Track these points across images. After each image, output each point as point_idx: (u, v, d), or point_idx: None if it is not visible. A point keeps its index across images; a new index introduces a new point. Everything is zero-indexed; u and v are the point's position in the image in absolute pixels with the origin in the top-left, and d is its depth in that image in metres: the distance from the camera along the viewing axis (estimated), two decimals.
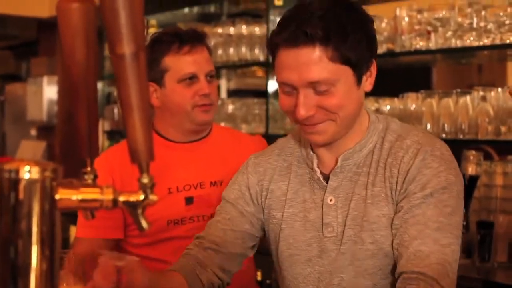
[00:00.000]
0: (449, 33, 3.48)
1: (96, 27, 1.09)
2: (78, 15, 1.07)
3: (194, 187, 2.46)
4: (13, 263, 0.98)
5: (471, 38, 3.41)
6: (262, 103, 4.62)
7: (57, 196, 1.03)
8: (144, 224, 1.07)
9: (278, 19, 1.80)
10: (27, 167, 0.99)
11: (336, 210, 1.80)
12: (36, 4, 6.03)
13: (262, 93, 4.67)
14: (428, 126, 3.50)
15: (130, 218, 1.86)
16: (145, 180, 1.05)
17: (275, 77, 1.80)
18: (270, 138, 2.56)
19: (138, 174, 1.05)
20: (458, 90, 3.48)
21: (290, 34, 1.68)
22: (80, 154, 1.14)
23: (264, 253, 2.04)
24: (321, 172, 1.84)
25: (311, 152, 1.87)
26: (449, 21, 3.50)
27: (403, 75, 5.21)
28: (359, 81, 1.73)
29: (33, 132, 7.11)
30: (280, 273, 1.93)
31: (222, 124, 4.49)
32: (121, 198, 1.05)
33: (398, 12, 3.67)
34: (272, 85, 4.38)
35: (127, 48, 0.99)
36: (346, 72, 1.69)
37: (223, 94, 5.54)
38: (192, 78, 2.44)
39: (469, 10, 3.44)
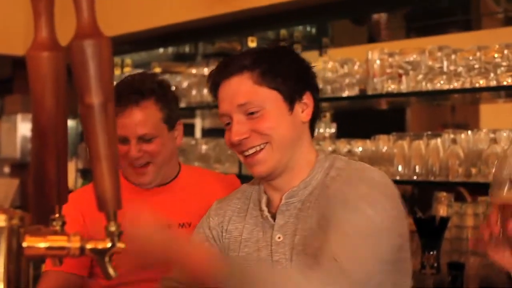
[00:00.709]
0: (420, 76, 3.53)
1: (65, 75, 1.11)
2: (48, 63, 1.09)
3: (189, 224, 2.46)
4: None
5: (442, 82, 3.46)
6: None
7: (24, 244, 1.03)
8: (111, 272, 1.08)
9: None
10: None
11: (284, 247, 1.85)
12: (11, 42, 6.04)
13: None
14: (400, 168, 3.53)
15: None
16: (113, 228, 1.06)
17: None
18: (243, 179, 2.57)
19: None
20: (429, 132, 3.52)
21: (225, 69, 1.86)
22: (49, 200, 1.15)
23: None
24: (269, 211, 1.91)
25: (262, 193, 1.94)
26: (420, 65, 3.55)
27: (377, 116, 5.27)
28: (291, 108, 1.84)
29: (7, 169, 7.06)
30: None
31: (196, 163, 4.50)
32: (88, 246, 1.06)
33: (370, 56, 3.72)
34: None
35: (95, 98, 1.00)
36: (274, 97, 1.83)
37: (198, 133, 5.56)
38: (123, 141, 2.38)
39: (439, 54, 3.50)
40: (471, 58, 3.38)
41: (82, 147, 5.67)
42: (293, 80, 1.85)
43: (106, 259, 1.06)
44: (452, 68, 3.45)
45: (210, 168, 4.42)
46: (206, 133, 5.70)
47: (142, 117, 2.38)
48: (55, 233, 1.09)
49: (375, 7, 3.98)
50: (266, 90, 1.82)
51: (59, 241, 1.06)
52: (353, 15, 4.24)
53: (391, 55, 3.66)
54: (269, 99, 1.82)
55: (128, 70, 5.33)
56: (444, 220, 3.36)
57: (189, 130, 6.62)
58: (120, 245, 1.07)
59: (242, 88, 1.82)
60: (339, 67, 3.95)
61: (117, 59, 5.49)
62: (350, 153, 3.82)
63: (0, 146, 6.89)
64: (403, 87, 3.61)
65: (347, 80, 3.88)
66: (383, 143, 3.65)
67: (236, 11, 4.21)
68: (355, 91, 3.87)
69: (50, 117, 1.10)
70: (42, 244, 1.05)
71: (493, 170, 1.79)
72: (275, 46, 1.95)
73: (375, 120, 4.91)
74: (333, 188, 1.81)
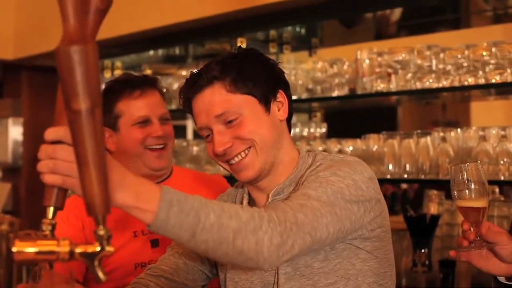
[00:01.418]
0: (409, 75, 3.55)
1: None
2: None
3: None
4: None
5: (431, 80, 3.47)
6: None
7: (14, 249, 1.04)
8: (101, 275, 1.09)
9: None
10: None
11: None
12: (1, 46, 6.03)
13: None
14: (390, 167, 3.55)
15: None
16: (101, 232, 1.07)
17: None
18: (233, 180, 2.59)
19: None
20: (419, 131, 3.54)
21: (195, 83, 1.85)
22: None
23: None
24: None
25: (245, 195, 1.97)
26: (409, 64, 3.57)
27: (368, 115, 5.29)
28: (267, 109, 1.86)
29: None
30: None
31: (187, 165, 4.50)
32: (78, 250, 1.07)
33: (359, 55, 3.73)
34: None
35: (82, 104, 1.01)
36: (249, 101, 1.84)
37: (189, 135, 5.56)
38: (145, 122, 2.50)
39: (428, 53, 3.51)
40: (459, 56, 3.40)
41: None
42: (264, 81, 1.87)
43: (96, 262, 1.07)
44: (441, 66, 3.47)
45: (201, 169, 4.43)
46: (197, 134, 5.68)
47: (159, 98, 2.56)
48: (45, 237, 1.10)
49: (364, 7, 3.99)
50: (240, 96, 1.83)
51: (48, 246, 1.07)
52: (342, 15, 4.25)
53: (380, 54, 3.68)
54: (244, 104, 1.83)
55: (118, 73, 5.32)
56: (435, 218, 3.38)
57: (180, 132, 6.63)
58: (109, 248, 1.07)
59: (216, 99, 1.82)
60: (328, 67, 3.96)
61: (107, 62, 5.49)
62: (340, 152, 3.83)
63: None
64: (393, 86, 3.62)
65: (336, 80, 3.90)
66: (374, 142, 3.67)
67: (226, 12, 4.22)
68: (344, 91, 3.89)
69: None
70: (31, 249, 1.05)
71: (450, 177, 1.80)
72: (238, 51, 1.93)
73: (366, 120, 4.92)
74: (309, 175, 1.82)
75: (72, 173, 1.14)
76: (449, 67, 3.44)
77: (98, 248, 1.07)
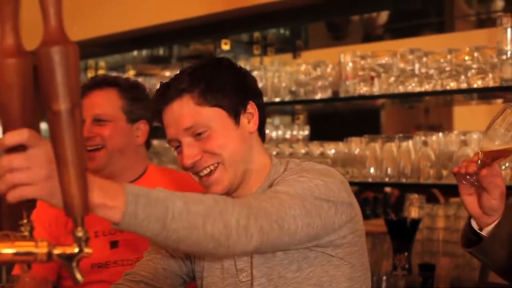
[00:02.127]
0: (392, 79, 3.56)
1: (32, 82, 1.11)
2: (14, 70, 1.08)
3: (121, 231, 2.46)
4: None
5: (413, 84, 3.49)
6: None
7: None
8: (79, 277, 1.08)
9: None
10: None
11: (248, 254, 1.84)
12: None
13: None
14: (372, 170, 3.56)
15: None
16: (80, 233, 1.06)
17: None
18: None
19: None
20: (401, 135, 3.55)
21: (164, 95, 1.84)
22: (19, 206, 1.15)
23: None
24: None
25: None
26: (391, 67, 3.58)
27: (352, 118, 5.30)
28: (236, 122, 1.85)
29: None
30: None
31: (170, 166, 4.49)
32: (56, 251, 1.07)
33: (342, 58, 3.74)
34: None
35: (63, 105, 1.01)
36: (218, 114, 1.83)
37: None
38: (84, 121, 2.49)
39: (411, 56, 3.53)
40: (442, 60, 3.42)
41: None
42: (234, 92, 1.85)
43: (74, 264, 1.07)
44: (423, 70, 3.48)
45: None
46: None
47: (103, 99, 2.51)
48: (23, 239, 1.10)
49: (349, 10, 4.01)
50: (209, 109, 1.81)
51: (26, 247, 1.06)
52: (327, 18, 4.26)
53: (363, 57, 3.69)
54: (213, 117, 1.82)
55: (102, 73, 5.31)
56: (415, 222, 3.39)
57: (163, 133, 6.61)
58: (87, 250, 1.07)
59: (184, 111, 1.81)
60: (312, 69, 3.96)
61: (91, 62, 5.48)
62: (322, 155, 3.84)
63: None
64: (375, 90, 3.64)
65: (320, 83, 3.91)
66: (356, 145, 3.67)
67: (210, 13, 4.22)
68: (328, 94, 3.89)
69: (18, 125, 1.09)
70: (9, 250, 1.05)
71: (492, 122, 1.81)
72: (208, 61, 1.93)
73: (349, 123, 4.93)
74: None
75: (34, 180, 1.10)
76: (431, 71, 3.45)
77: (76, 250, 1.07)
